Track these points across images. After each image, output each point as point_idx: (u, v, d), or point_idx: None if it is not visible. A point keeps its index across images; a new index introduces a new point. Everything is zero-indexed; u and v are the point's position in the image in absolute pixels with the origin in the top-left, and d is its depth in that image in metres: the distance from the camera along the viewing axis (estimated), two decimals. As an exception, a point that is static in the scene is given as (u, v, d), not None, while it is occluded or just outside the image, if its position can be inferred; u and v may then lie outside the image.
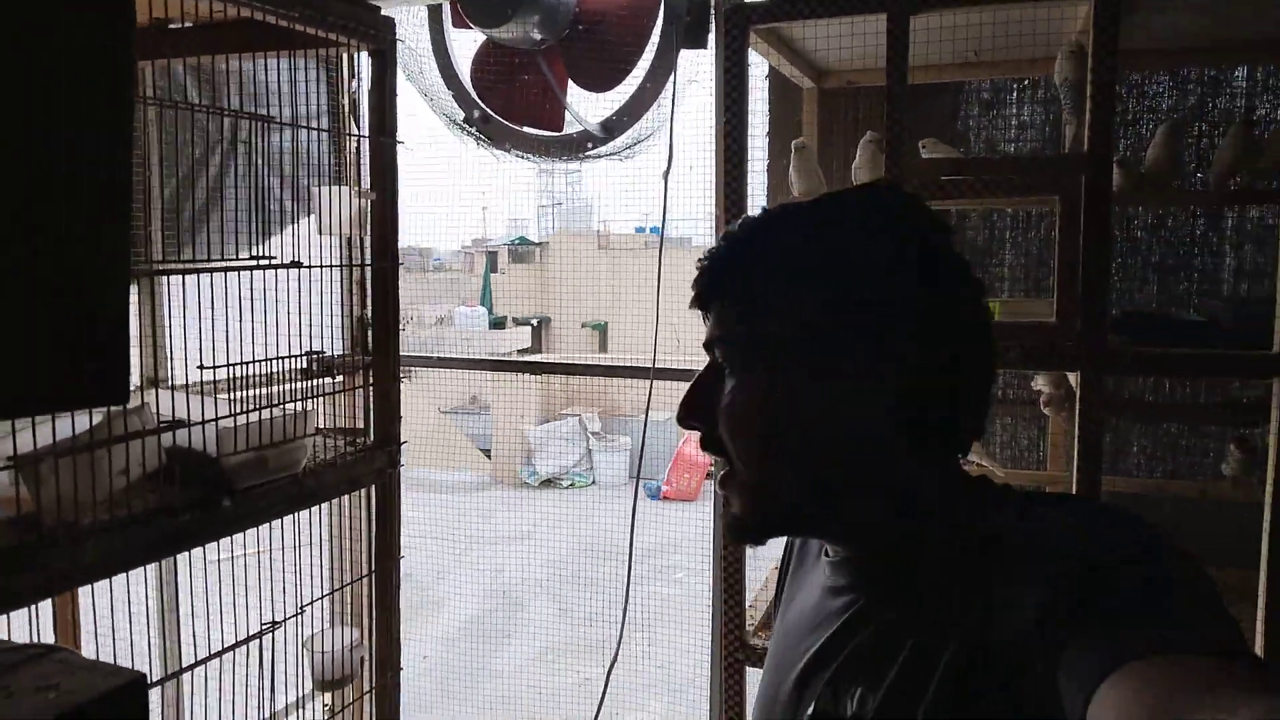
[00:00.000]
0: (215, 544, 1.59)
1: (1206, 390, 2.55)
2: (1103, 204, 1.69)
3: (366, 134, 1.76)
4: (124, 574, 1.39)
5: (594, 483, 9.69)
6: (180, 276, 2.44)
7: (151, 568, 2.38)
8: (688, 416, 0.79)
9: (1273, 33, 2.27)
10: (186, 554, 1.91)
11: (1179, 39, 2.35)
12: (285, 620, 1.57)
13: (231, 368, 1.50)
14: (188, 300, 2.36)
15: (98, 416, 1.27)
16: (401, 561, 1.92)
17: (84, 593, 1.97)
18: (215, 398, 1.59)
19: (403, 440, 1.84)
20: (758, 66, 2.69)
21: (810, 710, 0.76)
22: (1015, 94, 2.70)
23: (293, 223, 2.42)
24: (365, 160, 1.86)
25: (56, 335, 0.82)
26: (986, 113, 2.71)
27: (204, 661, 1.47)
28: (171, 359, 2.27)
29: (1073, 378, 1.83)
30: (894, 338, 0.72)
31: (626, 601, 2.81)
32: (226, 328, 1.54)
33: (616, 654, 2.80)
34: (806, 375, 0.73)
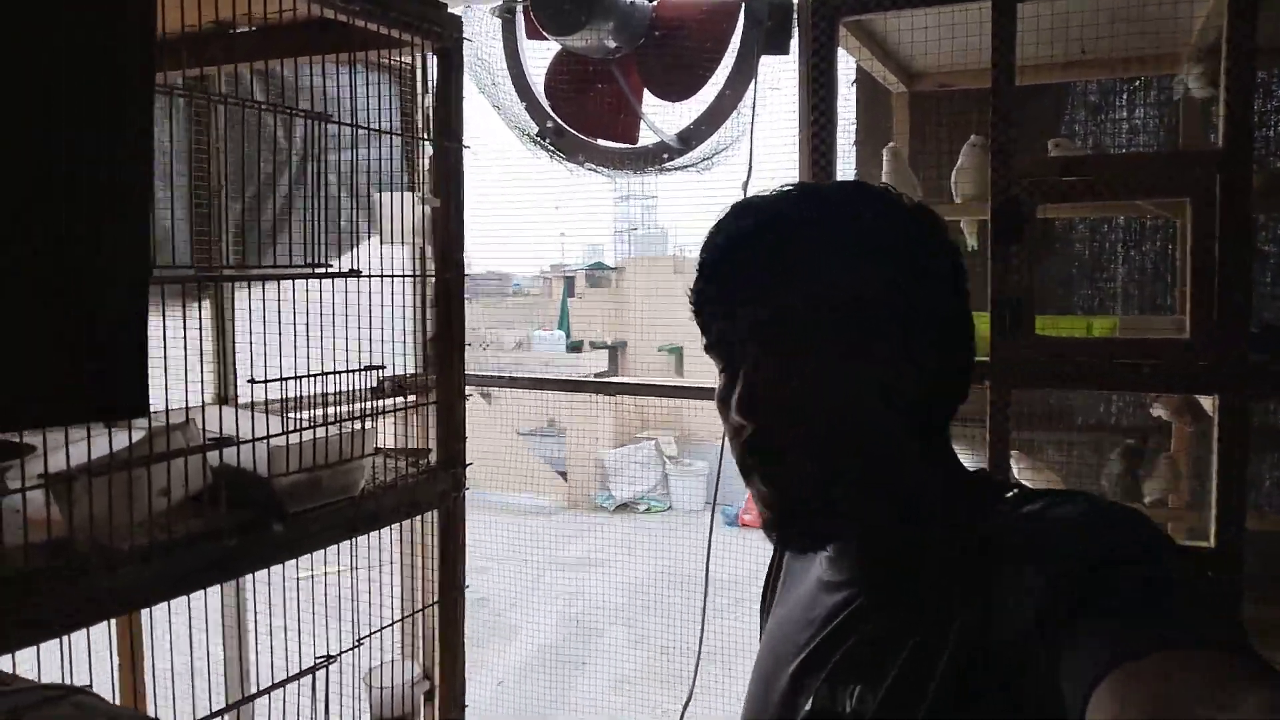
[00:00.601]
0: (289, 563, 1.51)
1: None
2: (1243, 203, 1.50)
3: (430, 138, 1.66)
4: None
5: (670, 508, 9.55)
6: (247, 292, 2.40)
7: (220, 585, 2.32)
8: (754, 414, 0.73)
9: None
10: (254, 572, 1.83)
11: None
12: (341, 654, 1.46)
13: (285, 383, 1.41)
14: (254, 317, 2.31)
15: (138, 434, 1.19)
16: (474, 586, 1.82)
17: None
18: (282, 416, 1.50)
19: (468, 462, 1.73)
20: (844, 71, 2.56)
21: (808, 707, 0.75)
22: (1125, 96, 2.51)
23: (367, 237, 2.36)
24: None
25: (55, 339, 0.73)
26: (1094, 116, 2.51)
27: (260, 694, 1.37)
28: (235, 377, 2.21)
29: (1207, 402, 1.63)
30: (922, 335, 0.74)
31: (702, 632, 2.70)
32: (294, 344, 1.46)
33: (693, 687, 2.69)
34: (846, 361, 0.72)
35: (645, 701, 6.28)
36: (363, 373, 1.52)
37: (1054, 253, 2.55)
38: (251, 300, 2.21)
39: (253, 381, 1.28)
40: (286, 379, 1.33)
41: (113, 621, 1.77)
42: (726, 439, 0.79)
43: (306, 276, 1.40)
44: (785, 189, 0.79)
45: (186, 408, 1.39)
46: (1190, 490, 2.09)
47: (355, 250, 2.06)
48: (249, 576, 2.20)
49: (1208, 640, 0.53)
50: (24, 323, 0.72)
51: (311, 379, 1.38)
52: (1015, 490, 0.75)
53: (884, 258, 0.74)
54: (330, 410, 1.51)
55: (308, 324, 1.51)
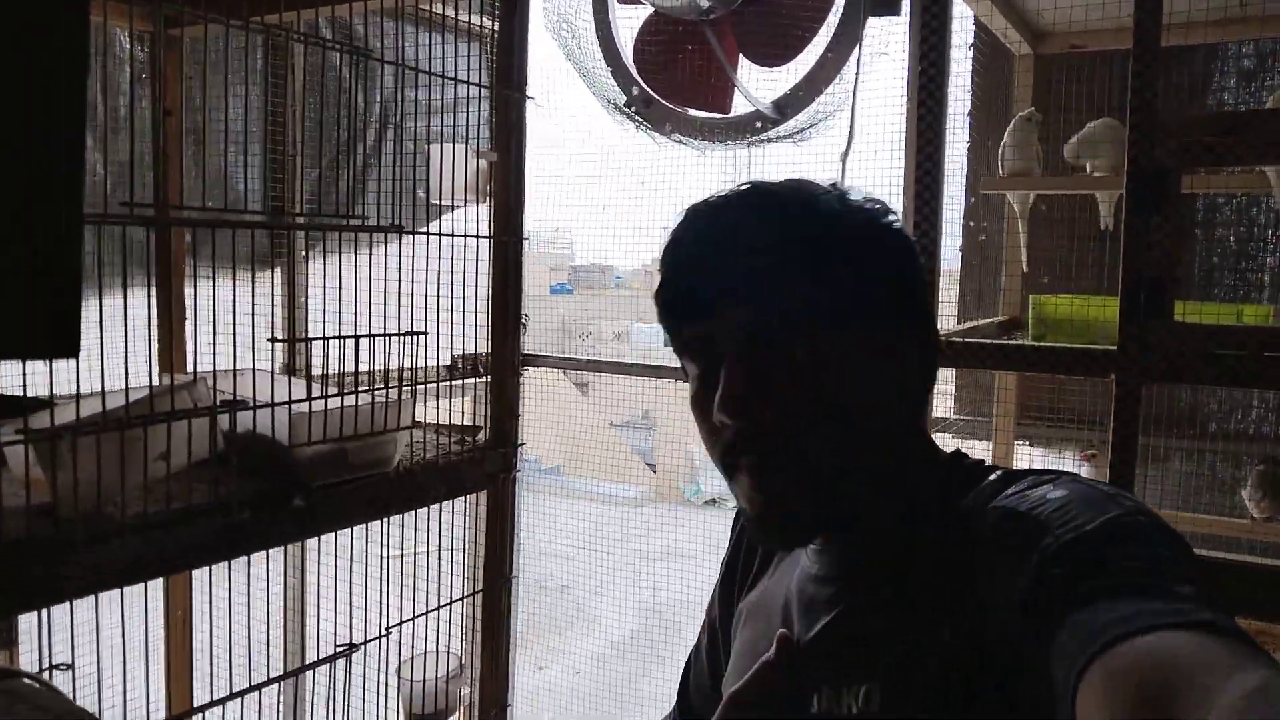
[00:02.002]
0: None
1: None
2: None
3: (487, 85, 1.52)
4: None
5: (714, 501, 9.36)
6: (321, 265, 2.31)
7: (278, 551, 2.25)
8: (743, 414, 0.70)
9: None
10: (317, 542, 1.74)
11: None
12: (365, 643, 1.34)
13: (327, 348, 1.29)
14: (325, 287, 2.22)
15: (138, 393, 1.08)
16: (558, 574, 1.69)
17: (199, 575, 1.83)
18: (307, 381, 1.38)
19: (521, 441, 1.59)
20: (962, 31, 2.33)
21: (811, 709, 0.73)
22: (1287, 60, 2.20)
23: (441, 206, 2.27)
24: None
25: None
26: (1248, 83, 2.21)
27: (269, 683, 1.26)
28: (309, 348, 2.13)
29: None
30: (916, 326, 0.76)
31: None
32: (369, 315, 1.35)
33: None
34: (851, 353, 0.72)
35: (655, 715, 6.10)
36: (405, 338, 1.39)
37: (1194, 238, 2.26)
38: (326, 268, 2.12)
39: (272, 340, 1.16)
40: (313, 339, 1.21)
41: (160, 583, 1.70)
42: (704, 441, 0.78)
43: (342, 229, 1.27)
44: (741, 189, 0.80)
45: (206, 374, 1.29)
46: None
47: (439, 217, 1.95)
48: (313, 547, 2.13)
49: (1196, 621, 0.51)
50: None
51: (343, 341, 1.25)
52: (998, 472, 0.74)
53: (877, 249, 0.75)
54: (378, 380, 1.39)
55: (384, 289, 1.40)
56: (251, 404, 1.17)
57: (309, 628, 2.28)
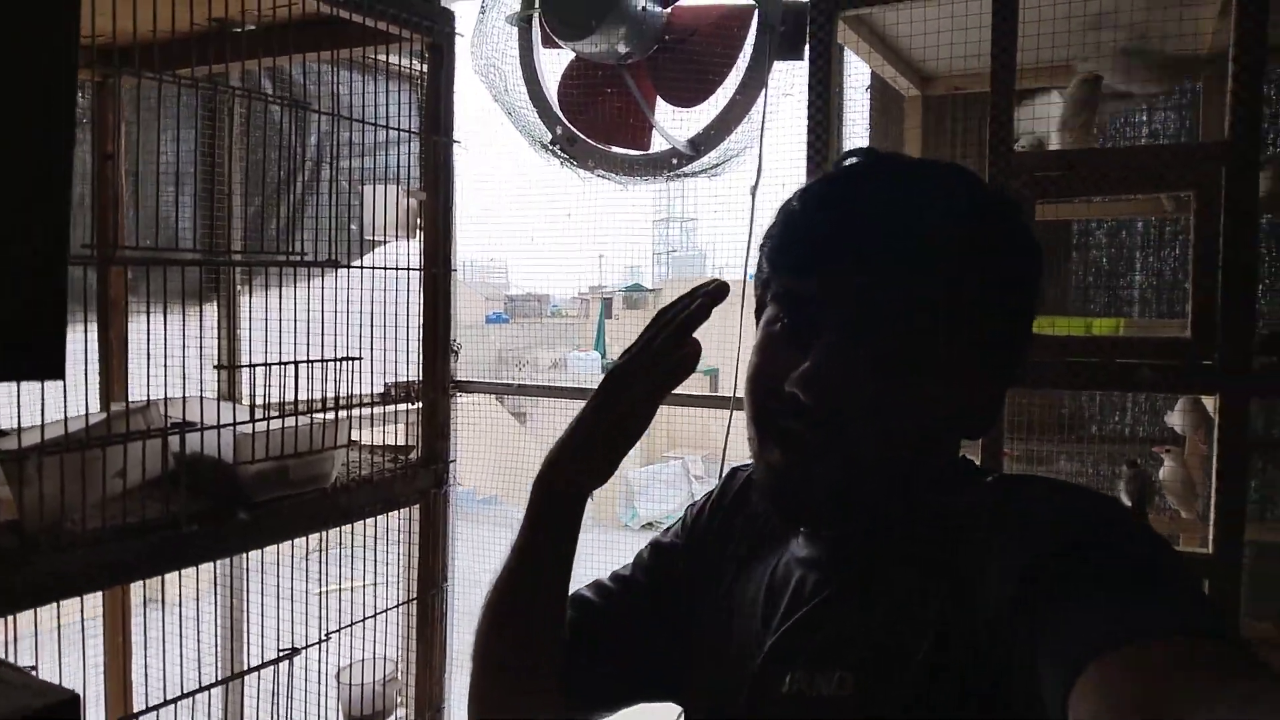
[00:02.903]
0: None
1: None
2: (1248, 197, 1.44)
3: (416, 131, 1.66)
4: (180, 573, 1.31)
5: (690, 526, 9.46)
6: (262, 295, 2.40)
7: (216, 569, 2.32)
8: (821, 395, 0.69)
9: None
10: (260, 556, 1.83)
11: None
12: (307, 647, 1.44)
13: (268, 376, 1.40)
14: (261, 321, 2.32)
15: (98, 416, 1.18)
16: (473, 583, 1.80)
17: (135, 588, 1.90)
18: (250, 405, 1.49)
19: (452, 459, 1.71)
20: (860, 76, 2.52)
21: (784, 689, 0.73)
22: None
23: (374, 242, 2.37)
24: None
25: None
26: (1113, 121, 2.44)
27: (214, 686, 1.35)
28: (243, 377, 2.22)
29: (1209, 404, 1.56)
30: (1006, 361, 0.75)
31: None
32: (307, 346, 1.45)
33: None
34: (937, 378, 0.70)
35: (657, 716, 6.18)
36: (345, 363, 1.51)
37: (1071, 259, 2.48)
38: (267, 301, 2.22)
39: (218, 367, 1.27)
40: (255, 366, 1.32)
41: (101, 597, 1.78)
42: (751, 385, 0.77)
43: (286, 264, 1.39)
44: (908, 163, 0.79)
45: (158, 400, 1.39)
46: (1202, 506, 2.00)
47: (371, 251, 2.07)
48: (245, 566, 2.21)
49: (1188, 627, 0.52)
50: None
51: (283, 367, 1.37)
52: (993, 476, 0.74)
53: (1011, 282, 0.73)
54: (315, 405, 1.50)
55: (321, 320, 1.50)
56: (199, 426, 1.28)
57: (246, 638, 2.35)
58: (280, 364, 1.36)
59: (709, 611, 0.88)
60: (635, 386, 0.84)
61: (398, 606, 1.67)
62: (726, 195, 2.95)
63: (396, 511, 1.67)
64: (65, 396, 1.18)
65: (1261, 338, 1.49)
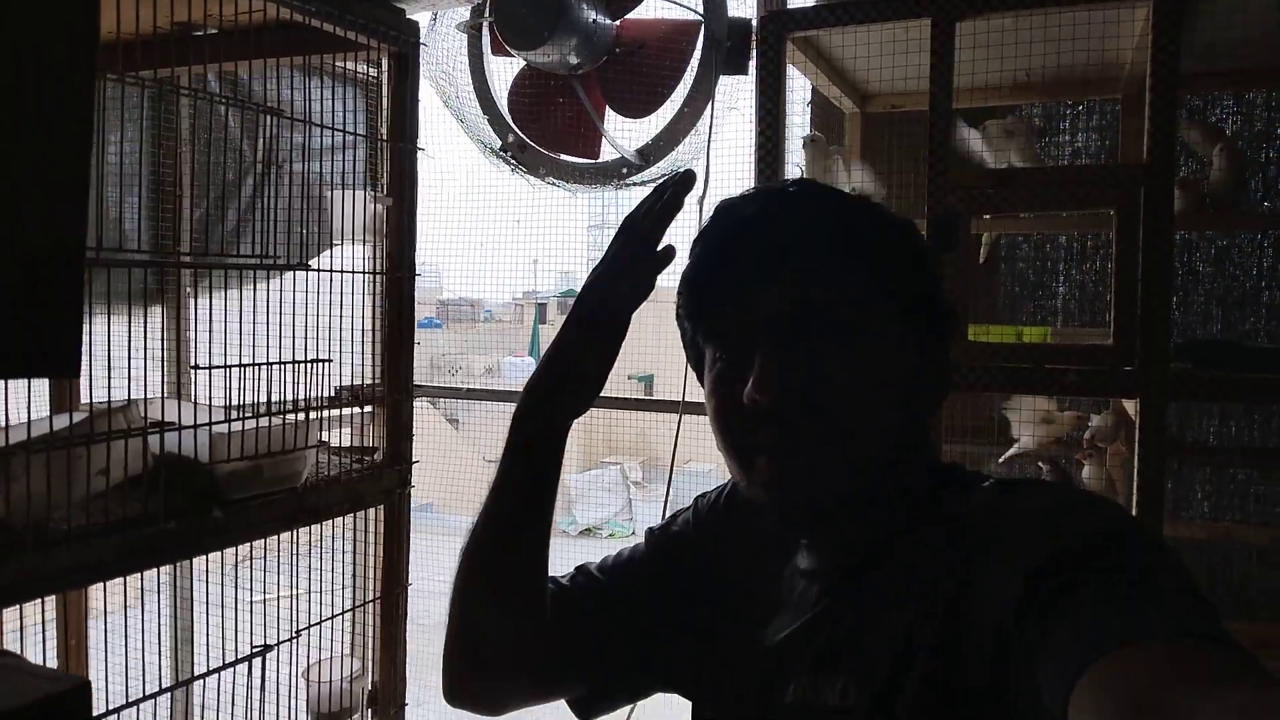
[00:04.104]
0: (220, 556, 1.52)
1: (1276, 433, 2.38)
2: (1164, 214, 1.57)
3: (384, 138, 1.70)
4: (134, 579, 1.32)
5: (633, 533, 9.53)
6: (208, 297, 2.40)
7: (165, 576, 2.31)
8: (779, 392, 0.72)
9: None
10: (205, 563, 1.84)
11: (1244, 61, 2.22)
12: (279, 643, 1.47)
13: (233, 376, 1.43)
14: (212, 320, 2.32)
15: (79, 415, 1.20)
16: (433, 611, 1.83)
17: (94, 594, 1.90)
18: (225, 404, 1.51)
19: (414, 460, 1.75)
20: (801, 91, 2.62)
21: (789, 698, 0.74)
22: (1069, 120, 2.59)
23: (330, 246, 2.39)
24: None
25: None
26: (1040, 139, 2.59)
27: (186, 683, 1.38)
28: (193, 379, 2.22)
29: (1130, 407, 1.69)
30: (940, 336, 0.79)
31: None
32: (252, 344, 1.48)
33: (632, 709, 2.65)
34: (884, 353, 0.74)
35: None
36: (311, 365, 1.54)
37: (999, 271, 2.62)
38: (212, 303, 2.23)
39: (195, 368, 1.30)
40: (232, 367, 1.35)
41: (50, 601, 1.78)
42: (717, 424, 0.79)
43: (254, 267, 1.43)
44: (787, 184, 0.83)
45: (138, 399, 1.41)
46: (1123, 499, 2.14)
47: (319, 255, 2.09)
48: (190, 572, 2.21)
49: (1187, 631, 0.52)
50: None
51: (257, 369, 1.40)
52: (991, 480, 0.75)
53: (916, 258, 0.79)
54: (277, 405, 1.53)
55: (266, 324, 1.53)
56: (178, 426, 1.30)
57: (192, 645, 2.35)
58: (255, 365, 1.39)
59: (716, 608, 0.87)
60: (610, 299, 0.84)
61: (363, 605, 1.71)
62: (686, 231, 3.04)
63: (341, 519, 1.69)
64: (5, 399, 1.19)
65: (1177, 345, 1.62)
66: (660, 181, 0.86)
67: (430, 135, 2.27)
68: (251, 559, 1.83)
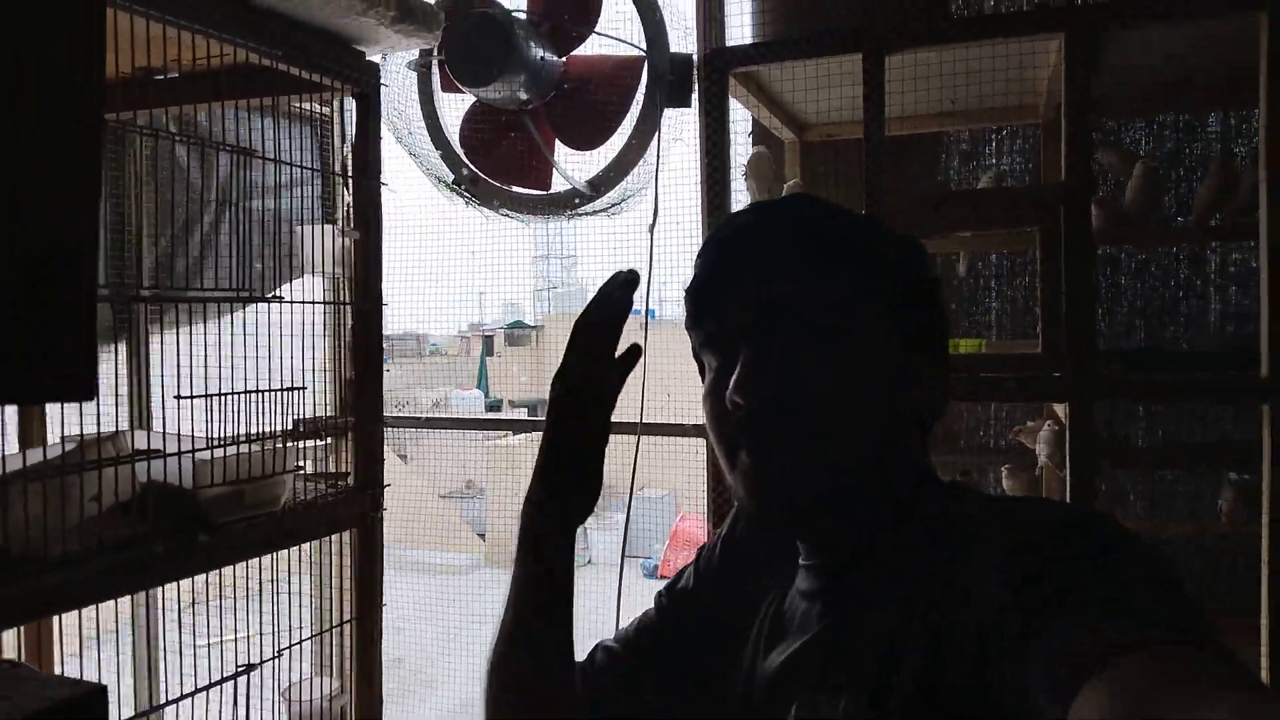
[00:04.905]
0: (191, 584, 1.56)
1: (1198, 434, 2.54)
2: (1083, 230, 1.70)
3: (350, 175, 1.77)
4: (96, 609, 1.35)
5: (590, 561, 9.53)
6: (171, 331, 2.43)
7: (126, 607, 2.32)
8: (753, 394, 0.74)
9: (1243, 77, 2.31)
10: (161, 594, 1.87)
11: (1153, 87, 2.40)
12: (262, 663, 1.51)
13: (209, 403, 1.48)
14: (171, 356, 2.35)
15: (71, 443, 1.25)
16: (390, 646, 1.87)
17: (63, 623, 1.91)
18: (207, 432, 1.56)
19: (386, 483, 1.81)
20: (743, 122, 2.75)
21: (791, 717, 0.75)
22: (994, 144, 2.75)
23: (288, 276, 2.43)
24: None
25: (14, 325, 0.81)
26: (966, 163, 2.75)
27: (173, 702, 1.42)
28: (149, 415, 2.26)
29: (1061, 410, 1.82)
30: (923, 329, 0.79)
31: None
32: (214, 378, 1.53)
33: None
34: (860, 351, 0.75)
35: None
36: (285, 394, 1.60)
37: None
38: (165, 342, 2.26)
39: (179, 397, 1.35)
40: (212, 395, 1.41)
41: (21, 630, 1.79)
42: (710, 429, 0.80)
43: (231, 300, 1.48)
44: (775, 202, 0.86)
45: (124, 430, 1.45)
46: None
47: (276, 288, 2.14)
48: (160, 598, 2.23)
49: (1176, 639, 0.53)
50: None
51: (236, 397, 1.46)
52: (980, 496, 0.76)
53: (905, 264, 0.80)
54: (254, 433, 1.58)
55: (231, 356, 1.58)
56: (163, 453, 1.35)
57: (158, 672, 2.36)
58: (234, 394, 1.45)
59: (719, 645, 0.88)
60: (580, 411, 0.86)
61: (340, 625, 1.75)
62: (625, 233, 3.14)
63: (297, 549, 1.72)
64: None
65: (1107, 351, 1.75)
66: (604, 284, 0.87)
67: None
68: (209, 598, 1.86)
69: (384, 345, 2.13)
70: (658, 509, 8.18)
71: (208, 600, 1.91)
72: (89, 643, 1.89)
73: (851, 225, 0.81)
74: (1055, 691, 0.53)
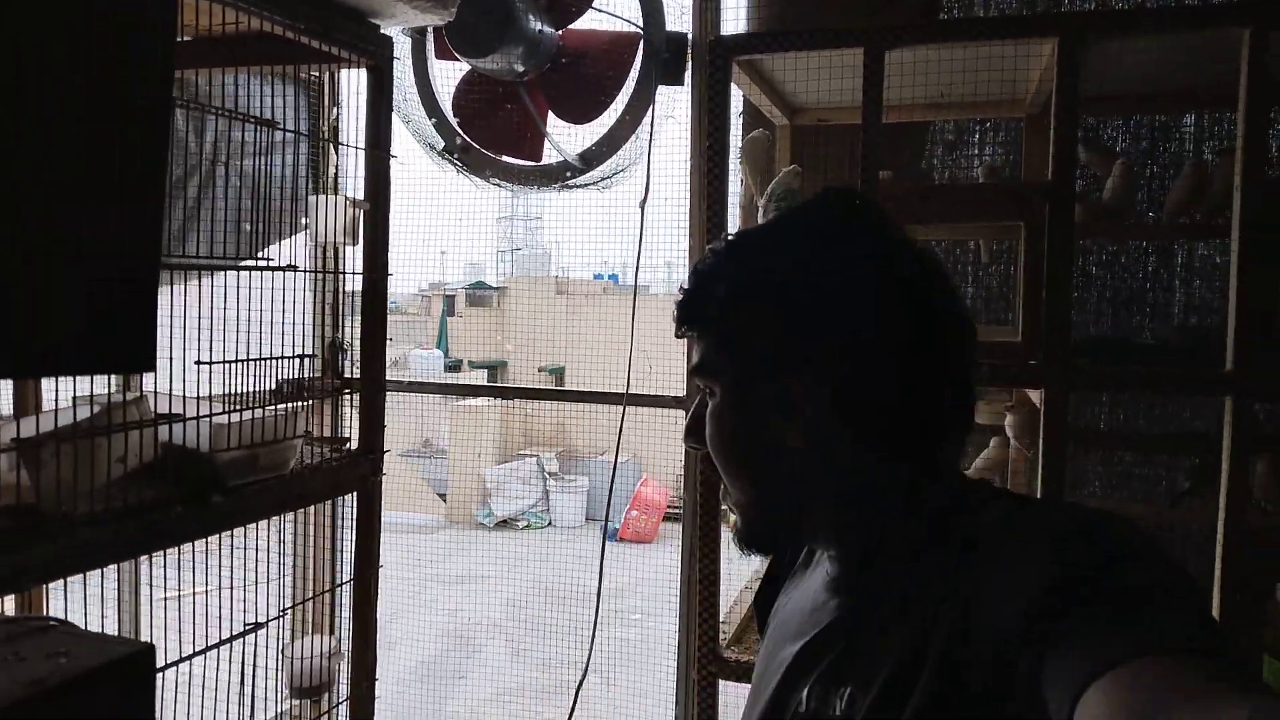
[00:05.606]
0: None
1: (1158, 421, 2.66)
2: (1067, 226, 1.78)
3: (362, 146, 1.79)
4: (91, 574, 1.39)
5: (550, 524, 9.64)
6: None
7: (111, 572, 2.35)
8: (690, 439, 0.85)
9: (1218, 81, 2.40)
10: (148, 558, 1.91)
11: (1131, 87, 2.48)
12: (268, 622, 1.56)
13: (219, 369, 1.51)
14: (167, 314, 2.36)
15: (97, 406, 1.28)
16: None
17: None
18: (225, 396, 1.59)
19: (386, 449, 1.85)
20: (732, 101, 2.78)
21: (800, 709, 0.78)
22: (978, 135, 2.82)
23: (276, 242, 2.44)
24: (356, 175, 1.89)
25: (89, 297, 0.85)
26: (951, 152, 2.82)
27: (187, 658, 1.46)
28: (141, 378, 2.27)
29: (1035, 397, 1.91)
30: (836, 341, 0.77)
31: (592, 643, 2.77)
32: (199, 345, 1.55)
33: (577, 696, 2.74)
34: (757, 401, 0.79)
35: (525, 713, 6.34)
36: (291, 360, 1.64)
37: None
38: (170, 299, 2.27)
39: (199, 362, 1.38)
40: (230, 362, 1.44)
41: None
42: None
43: (249, 268, 1.51)
44: (736, 235, 0.88)
45: (141, 393, 1.48)
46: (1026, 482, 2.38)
47: (263, 251, 2.15)
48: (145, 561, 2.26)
49: (1192, 647, 0.54)
50: (56, 288, 0.83)
51: (249, 363, 1.49)
52: (1003, 496, 0.78)
53: (780, 296, 0.78)
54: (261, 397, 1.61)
55: (215, 323, 1.60)
56: (183, 417, 1.39)
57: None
58: (248, 360, 1.48)
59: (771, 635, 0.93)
60: None
61: (339, 586, 1.80)
62: (615, 207, 3.18)
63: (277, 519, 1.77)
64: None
65: (1076, 342, 1.84)
66: None
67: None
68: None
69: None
70: (621, 474, 8.30)
71: (179, 552, 1.94)
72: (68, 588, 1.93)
73: (791, 270, 0.79)
74: (1062, 694, 0.55)
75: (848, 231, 0.81)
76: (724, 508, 0.82)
